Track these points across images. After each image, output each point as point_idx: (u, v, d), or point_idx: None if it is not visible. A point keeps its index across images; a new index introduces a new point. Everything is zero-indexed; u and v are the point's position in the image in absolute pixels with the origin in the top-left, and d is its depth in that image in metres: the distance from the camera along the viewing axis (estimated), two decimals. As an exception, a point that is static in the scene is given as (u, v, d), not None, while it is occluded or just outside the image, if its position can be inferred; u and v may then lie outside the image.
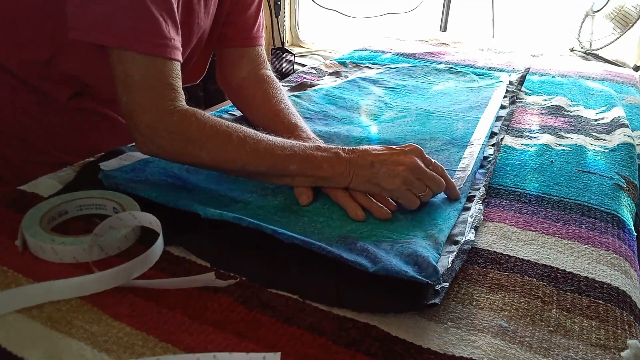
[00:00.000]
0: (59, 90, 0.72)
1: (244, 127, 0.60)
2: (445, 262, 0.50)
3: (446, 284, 0.47)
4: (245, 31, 0.84)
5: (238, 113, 0.90)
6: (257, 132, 0.60)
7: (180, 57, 0.61)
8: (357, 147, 0.61)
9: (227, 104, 0.98)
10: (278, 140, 0.60)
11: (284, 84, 1.12)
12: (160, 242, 0.49)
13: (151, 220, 0.51)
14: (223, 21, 0.82)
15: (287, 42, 2.58)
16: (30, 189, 0.61)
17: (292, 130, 0.74)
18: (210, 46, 0.85)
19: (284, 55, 2.40)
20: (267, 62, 0.88)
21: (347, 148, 0.61)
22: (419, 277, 0.45)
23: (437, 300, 0.44)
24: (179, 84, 0.61)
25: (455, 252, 0.52)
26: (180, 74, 0.61)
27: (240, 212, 0.55)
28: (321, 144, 0.72)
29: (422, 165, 0.60)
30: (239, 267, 0.49)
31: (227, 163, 0.59)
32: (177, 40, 0.61)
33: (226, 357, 0.38)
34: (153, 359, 0.38)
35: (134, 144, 0.73)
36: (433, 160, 0.62)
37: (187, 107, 0.60)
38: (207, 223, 0.53)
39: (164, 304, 0.44)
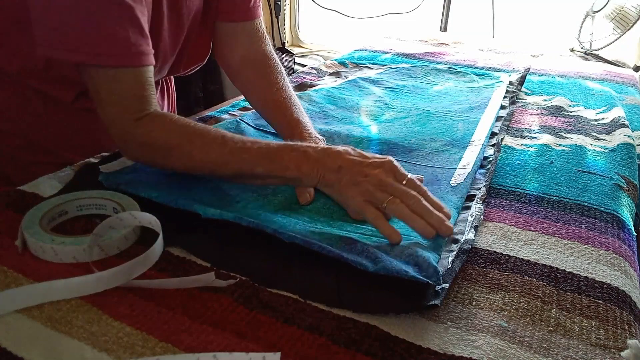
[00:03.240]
0: (63, 92, 0.72)
1: (210, 130, 0.59)
2: (445, 262, 0.50)
3: (446, 285, 0.47)
4: (242, 3, 0.81)
5: (238, 113, 0.90)
6: (225, 135, 0.59)
7: (147, 61, 0.60)
8: (332, 148, 0.58)
9: (227, 104, 0.98)
10: (246, 141, 0.59)
11: (284, 84, 1.12)
12: (160, 242, 0.49)
13: (151, 220, 0.51)
14: None
15: (287, 42, 2.58)
16: (30, 189, 0.61)
17: (293, 126, 0.73)
18: (209, 24, 0.82)
19: (284, 56, 2.40)
20: (267, 36, 0.86)
21: (319, 147, 0.58)
22: (419, 277, 0.45)
23: (437, 302, 0.44)
24: (148, 91, 0.60)
25: (455, 252, 0.52)
26: (150, 77, 0.60)
27: (241, 212, 0.55)
28: (321, 142, 0.72)
29: (391, 180, 0.54)
30: (239, 267, 0.49)
31: (195, 169, 0.59)
32: (143, 44, 0.59)
33: (226, 357, 0.38)
34: (153, 358, 0.38)
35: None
36: (409, 176, 0.56)
37: (154, 114, 0.59)
38: (207, 223, 0.53)
39: (164, 304, 0.44)
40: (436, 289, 0.46)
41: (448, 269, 0.49)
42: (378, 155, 0.58)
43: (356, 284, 0.47)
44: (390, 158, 0.57)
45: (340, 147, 0.58)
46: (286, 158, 0.57)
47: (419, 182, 0.56)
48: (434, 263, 0.48)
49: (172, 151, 0.58)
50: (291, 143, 0.60)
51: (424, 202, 0.53)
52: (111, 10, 0.56)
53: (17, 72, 0.70)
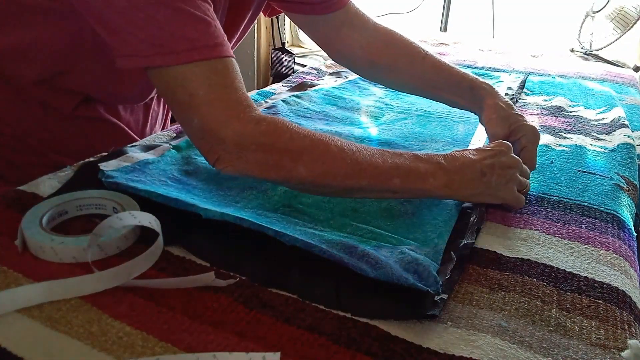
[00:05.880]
0: (64, 101, 0.72)
1: (337, 137, 0.56)
2: (444, 272, 0.50)
3: (445, 295, 0.46)
4: None
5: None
6: (352, 142, 0.56)
7: (232, 53, 0.57)
8: (454, 155, 0.58)
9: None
10: (376, 151, 0.56)
11: (283, 84, 1.13)
12: (160, 242, 0.49)
13: (151, 220, 0.51)
14: None
15: (287, 42, 2.58)
16: (30, 189, 0.61)
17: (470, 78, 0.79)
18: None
19: (284, 56, 2.40)
20: (364, 13, 0.85)
21: (447, 155, 0.58)
22: (419, 284, 0.45)
23: (436, 312, 0.44)
24: (244, 87, 0.56)
25: (454, 260, 0.52)
26: (240, 73, 0.57)
27: (241, 212, 0.55)
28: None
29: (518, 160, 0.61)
30: (239, 268, 0.49)
31: (326, 177, 0.53)
32: (225, 36, 0.56)
33: (226, 357, 0.38)
34: (153, 358, 0.38)
35: (135, 144, 0.73)
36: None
37: (270, 115, 0.55)
38: (208, 223, 0.53)
39: (164, 304, 0.44)
40: (435, 299, 0.45)
41: (447, 278, 0.49)
42: (489, 146, 0.61)
43: (356, 288, 0.46)
44: (500, 141, 0.62)
45: (456, 152, 0.59)
46: (422, 170, 0.56)
47: None
48: (434, 272, 0.47)
49: (302, 155, 0.52)
50: (419, 154, 0.57)
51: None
52: (191, 4, 0.52)
53: (27, 82, 0.70)
